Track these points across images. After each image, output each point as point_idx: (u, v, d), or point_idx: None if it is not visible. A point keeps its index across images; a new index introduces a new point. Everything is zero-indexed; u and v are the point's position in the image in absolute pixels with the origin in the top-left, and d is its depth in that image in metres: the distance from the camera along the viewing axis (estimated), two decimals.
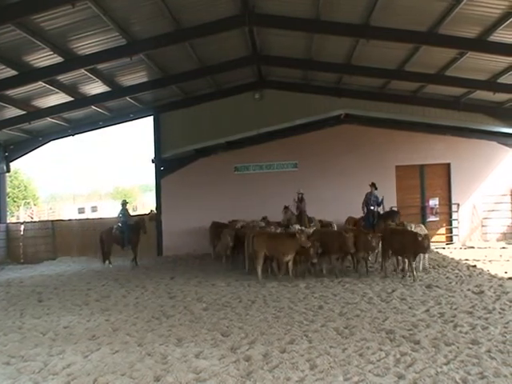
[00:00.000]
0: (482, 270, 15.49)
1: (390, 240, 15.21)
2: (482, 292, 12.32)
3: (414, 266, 14.59)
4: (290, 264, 15.36)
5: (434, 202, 24.28)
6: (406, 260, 15.04)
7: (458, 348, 8.00)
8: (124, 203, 22.19)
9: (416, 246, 14.08)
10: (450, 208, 24.25)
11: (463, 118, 22.95)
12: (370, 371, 7.16)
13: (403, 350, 7.97)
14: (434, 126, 23.69)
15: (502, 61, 16.56)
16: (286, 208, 18.90)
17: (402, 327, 9.39)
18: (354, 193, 23.40)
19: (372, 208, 18.97)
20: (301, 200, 19.37)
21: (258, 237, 15.81)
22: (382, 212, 19.35)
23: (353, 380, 6.87)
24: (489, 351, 7.81)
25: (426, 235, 14.48)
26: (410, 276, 14.57)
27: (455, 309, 10.75)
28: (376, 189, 19.26)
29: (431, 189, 24.43)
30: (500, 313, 10.25)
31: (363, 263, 16.19)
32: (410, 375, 6.92)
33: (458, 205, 23.94)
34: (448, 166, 24.19)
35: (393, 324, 9.67)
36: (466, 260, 17.75)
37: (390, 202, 23.67)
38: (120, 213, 21.61)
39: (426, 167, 24.37)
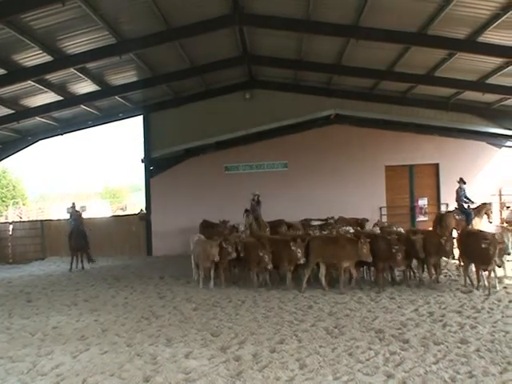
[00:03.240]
0: (471, 269, 15.52)
1: (466, 244, 13.19)
2: (471, 291, 12.37)
3: (484, 276, 12.59)
4: (353, 271, 13.31)
5: (423, 202, 24.42)
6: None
7: (446, 347, 8.04)
8: (73, 206, 21.68)
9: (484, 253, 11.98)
10: (439, 208, 24.33)
11: (452, 118, 23.10)
12: (359, 370, 7.18)
13: (392, 349, 8.00)
14: (423, 127, 23.84)
15: (491, 62, 16.64)
16: (247, 211, 17.87)
17: (392, 326, 9.43)
18: (344, 193, 23.59)
19: (464, 204, 18.82)
20: (258, 202, 18.62)
21: (314, 242, 13.61)
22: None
23: (342, 379, 6.89)
24: (477, 350, 7.86)
25: (492, 240, 11.97)
26: (486, 291, 12.27)
27: (444, 308, 10.80)
28: (465, 183, 19.23)
29: (420, 189, 24.55)
30: (488, 312, 10.31)
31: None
32: (399, 374, 6.95)
33: (447, 205, 24.02)
34: (437, 166, 24.32)
35: (382, 323, 9.71)
36: (455, 260, 17.77)
37: (379, 201, 23.82)
38: (70, 217, 21.32)
39: (415, 167, 24.49)
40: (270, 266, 13.38)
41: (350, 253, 12.94)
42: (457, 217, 18.56)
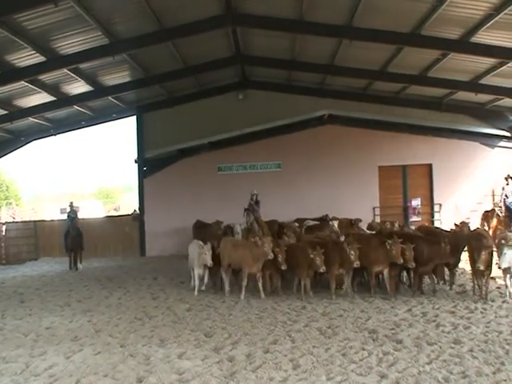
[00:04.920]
0: (464, 269, 15.52)
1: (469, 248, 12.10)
2: (464, 292, 12.40)
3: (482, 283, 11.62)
4: (386, 277, 12.26)
5: (416, 202, 24.44)
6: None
7: (440, 347, 8.05)
8: (71, 206, 21.63)
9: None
10: (432, 208, 24.42)
11: (445, 118, 23.16)
12: (352, 371, 7.18)
13: (386, 350, 8.01)
14: (416, 127, 23.86)
15: (484, 62, 16.68)
16: (247, 210, 17.29)
17: (385, 327, 9.44)
18: (337, 193, 23.57)
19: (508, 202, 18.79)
20: (256, 202, 17.99)
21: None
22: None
23: (336, 379, 6.89)
24: (471, 350, 7.87)
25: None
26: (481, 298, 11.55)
27: (437, 308, 10.81)
28: None
29: (413, 189, 24.57)
30: (482, 312, 10.34)
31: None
32: (392, 374, 6.95)
33: (440, 205, 24.10)
34: (430, 166, 24.36)
35: (375, 323, 9.72)
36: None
37: (372, 201, 23.83)
38: (68, 216, 21.23)
39: (409, 167, 24.51)
40: (323, 269, 11.98)
41: (382, 255, 11.95)
42: (501, 214, 18.47)
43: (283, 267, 12.29)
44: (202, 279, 13.64)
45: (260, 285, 12.77)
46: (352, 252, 11.71)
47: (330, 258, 12.11)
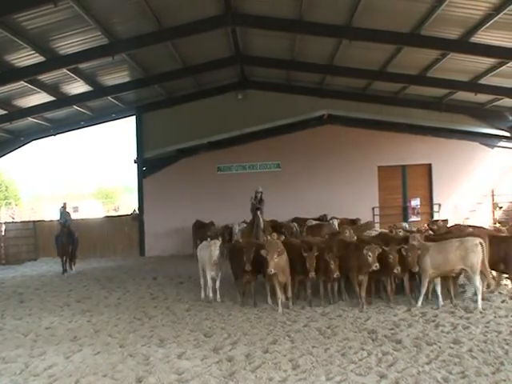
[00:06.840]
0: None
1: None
2: (464, 292, 12.38)
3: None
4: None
5: (415, 202, 24.45)
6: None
7: (439, 347, 8.05)
8: (64, 207, 20.77)
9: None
10: (432, 208, 24.43)
11: (445, 118, 23.17)
12: (352, 371, 7.18)
13: (385, 350, 8.00)
14: (415, 127, 23.89)
15: (484, 62, 16.69)
16: (258, 209, 16.11)
17: (384, 327, 9.43)
18: (337, 193, 23.58)
19: None
20: (260, 201, 16.61)
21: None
22: None
23: (335, 380, 6.89)
24: (470, 350, 7.86)
25: None
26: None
27: (437, 308, 10.79)
28: None
29: (413, 189, 24.58)
30: (481, 312, 10.29)
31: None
32: (391, 375, 6.95)
33: (440, 205, 24.11)
34: (429, 166, 24.37)
35: (375, 324, 9.71)
36: None
37: (372, 201, 23.84)
38: (61, 218, 20.40)
39: (408, 167, 24.53)
40: (336, 274, 10.94)
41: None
42: None
43: (311, 275, 11.02)
44: (214, 284, 12.48)
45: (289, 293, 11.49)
46: (369, 254, 10.63)
47: (346, 260, 11.20)
